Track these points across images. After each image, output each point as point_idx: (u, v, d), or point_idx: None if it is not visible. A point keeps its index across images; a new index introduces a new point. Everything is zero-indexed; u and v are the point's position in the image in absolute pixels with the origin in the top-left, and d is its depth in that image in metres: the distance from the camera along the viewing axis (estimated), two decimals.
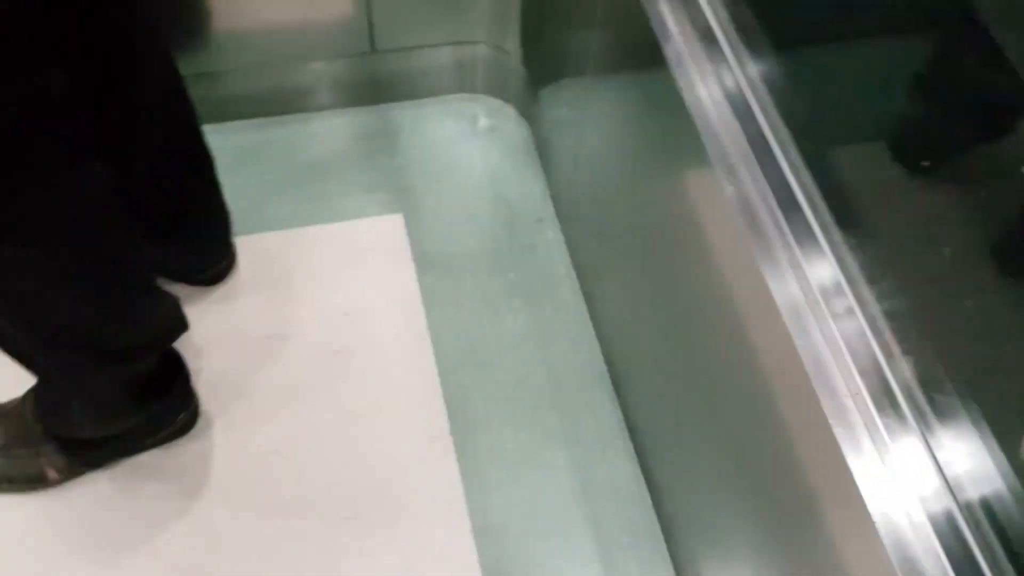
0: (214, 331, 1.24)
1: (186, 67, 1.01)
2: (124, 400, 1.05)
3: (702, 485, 1.00)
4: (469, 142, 1.49)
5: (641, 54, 0.93)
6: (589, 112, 1.19)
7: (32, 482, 1.11)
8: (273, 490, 1.14)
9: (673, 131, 0.89)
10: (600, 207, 1.22)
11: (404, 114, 1.51)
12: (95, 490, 1.13)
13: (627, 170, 1.09)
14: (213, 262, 1.26)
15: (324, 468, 1.16)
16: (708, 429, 0.95)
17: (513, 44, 1.40)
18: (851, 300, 0.68)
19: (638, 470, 1.18)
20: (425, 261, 1.35)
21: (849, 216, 0.71)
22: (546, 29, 1.29)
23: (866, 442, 0.63)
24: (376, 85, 1.48)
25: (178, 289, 1.16)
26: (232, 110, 1.46)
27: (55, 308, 0.86)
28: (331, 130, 1.48)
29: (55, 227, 0.78)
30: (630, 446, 1.19)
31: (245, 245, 1.33)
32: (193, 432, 1.18)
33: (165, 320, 1.01)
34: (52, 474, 1.11)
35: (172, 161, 1.06)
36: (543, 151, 1.45)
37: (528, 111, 1.48)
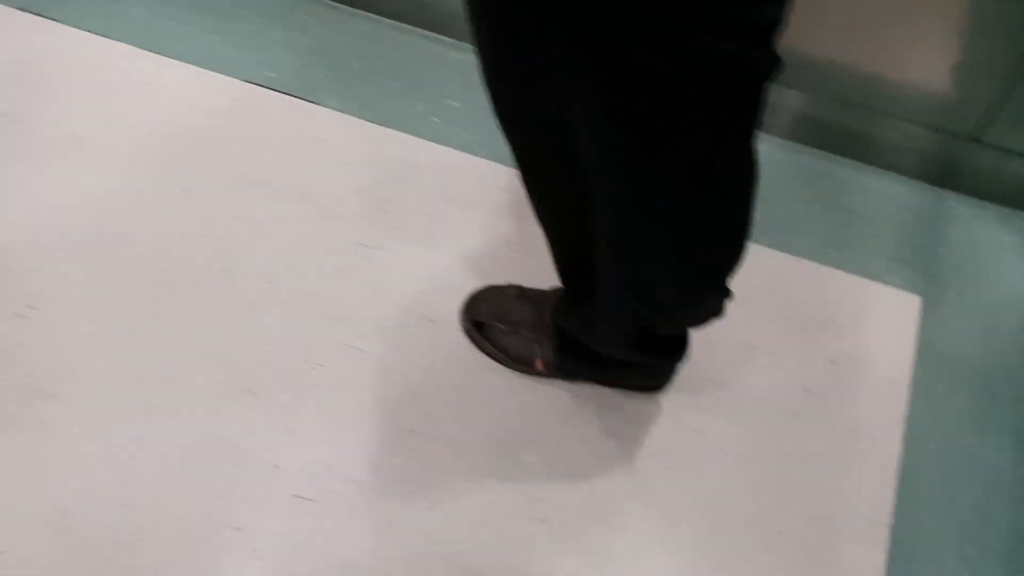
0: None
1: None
2: (632, 341, 1.11)
3: None
4: (1018, 262, 1.41)
5: None
6: None
7: (520, 363, 1.23)
8: (703, 479, 1.17)
9: None
10: None
11: (963, 207, 1.46)
12: (556, 396, 1.23)
13: None
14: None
15: (756, 487, 1.17)
16: None
17: None
18: None
19: None
20: (926, 352, 1.30)
21: None
22: None
23: None
24: (952, 169, 1.44)
25: None
26: (799, 130, 1.49)
27: (667, 251, 0.91)
28: (886, 189, 1.47)
29: (734, 181, 0.84)
30: None
31: (761, 256, 1.36)
32: (657, 395, 1.23)
33: (716, 302, 1.05)
34: (539, 364, 1.21)
35: None
36: None
37: None
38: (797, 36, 1.34)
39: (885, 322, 1.33)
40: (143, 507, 1.11)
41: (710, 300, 1.03)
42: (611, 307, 1.03)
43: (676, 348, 1.14)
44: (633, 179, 0.81)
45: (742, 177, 0.84)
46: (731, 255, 0.94)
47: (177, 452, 1.15)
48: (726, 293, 1.02)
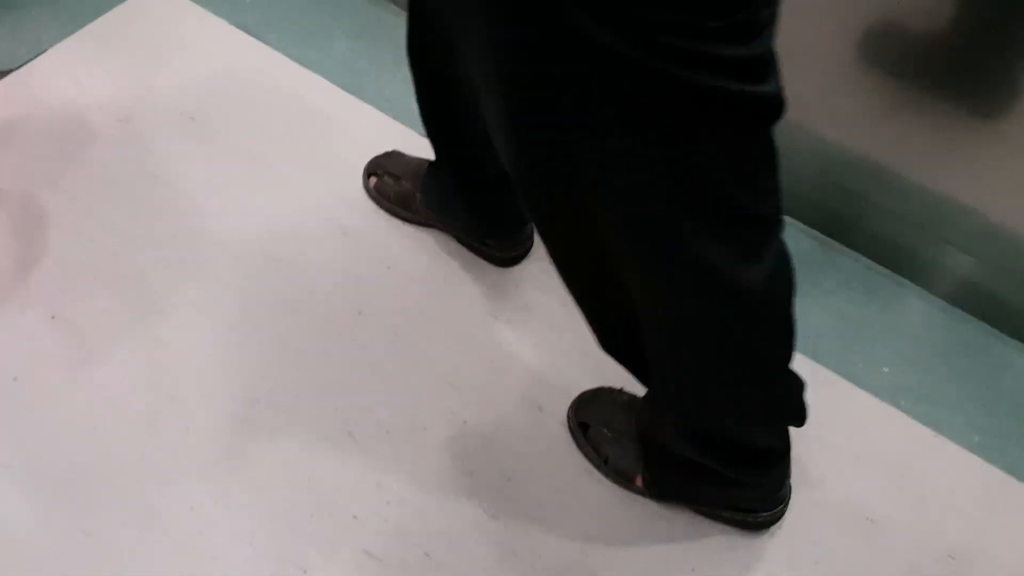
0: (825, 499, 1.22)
1: None
2: (703, 441, 1.05)
3: None
4: None
5: None
6: None
7: (619, 475, 1.19)
8: None
9: None
10: None
11: None
12: (649, 519, 1.18)
13: None
14: None
15: None
16: None
17: None
18: None
19: None
20: None
21: None
22: None
23: None
24: None
25: None
26: (967, 298, 1.41)
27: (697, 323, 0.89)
28: None
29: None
30: None
31: (900, 425, 1.27)
32: (768, 533, 1.17)
33: (794, 398, 1.01)
34: (639, 481, 1.17)
35: None
36: None
37: None
38: (982, 201, 1.27)
39: (1019, 525, 1.22)
40: (222, 525, 1.14)
41: (760, 396, 0.99)
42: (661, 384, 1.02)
43: (756, 460, 1.08)
44: (651, 225, 0.79)
45: (768, 236, 0.83)
46: (769, 338, 0.92)
47: (265, 479, 1.18)
48: (790, 390, 0.99)
